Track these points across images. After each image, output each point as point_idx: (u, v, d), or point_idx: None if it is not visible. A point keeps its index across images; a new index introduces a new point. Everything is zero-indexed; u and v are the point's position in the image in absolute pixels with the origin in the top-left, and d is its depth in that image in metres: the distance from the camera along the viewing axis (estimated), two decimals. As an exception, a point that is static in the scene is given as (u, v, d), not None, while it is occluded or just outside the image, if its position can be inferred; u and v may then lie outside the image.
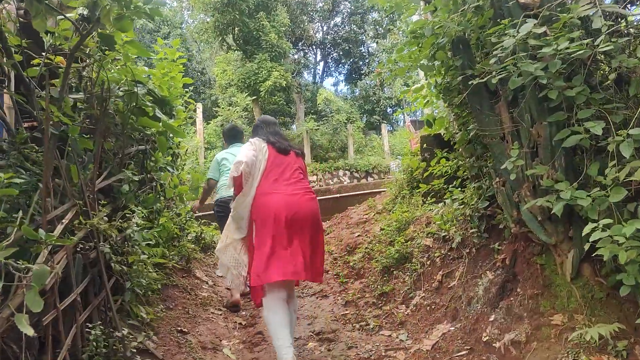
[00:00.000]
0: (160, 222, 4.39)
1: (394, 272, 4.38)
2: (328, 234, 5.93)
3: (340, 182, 18.06)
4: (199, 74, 30.33)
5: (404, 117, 28.70)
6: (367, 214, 5.82)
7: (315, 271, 3.37)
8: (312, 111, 23.48)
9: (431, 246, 4.24)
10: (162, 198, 4.52)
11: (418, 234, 4.50)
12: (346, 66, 31.72)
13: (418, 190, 5.26)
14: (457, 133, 4.10)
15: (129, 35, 3.60)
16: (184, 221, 5.63)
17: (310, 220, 3.33)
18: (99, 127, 3.19)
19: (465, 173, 4.06)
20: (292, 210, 3.24)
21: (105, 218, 2.95)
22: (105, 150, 3.56)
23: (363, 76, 28.02)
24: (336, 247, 5.32)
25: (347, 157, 19.32)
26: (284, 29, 19.42)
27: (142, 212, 3.63)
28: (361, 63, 30.52)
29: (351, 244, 5.19)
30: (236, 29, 18.55)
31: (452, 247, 3.99)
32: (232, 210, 3.56)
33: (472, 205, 3.77)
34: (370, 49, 31.37)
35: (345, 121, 19.72)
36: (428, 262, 4.12)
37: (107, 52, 3.53)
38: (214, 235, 6.38)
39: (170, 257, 4.63)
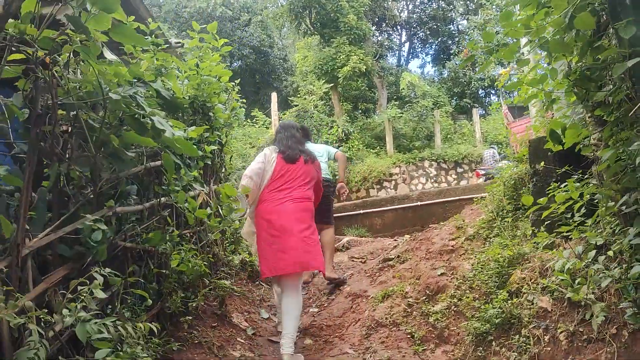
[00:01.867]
0: (174, 266, 3.35)
1: (493, 343, 3.03)
2: (403, 262, 4.65)
3: (425, 174, 16.51)
4: (281, 60, 29.69)
5: (499, 100, 26.32)
6: (453, 239, 4.46)
7: (308, 264, 3.86)
8: (395, 97, 21.91)
9: (550, 310, 2.85)
10: (176, 230, 3.48)
11: (528, 285, 3.11)
12: (433, 46, 29.60)
13: (525, 214, 3.83)
14: (595, 144, 2.66)
15: (117, 17, 2.57)
16: (225, 246, 4.62)
17: (291, 223, 3.81)
18: (30, 148, 2.15)
19: (607, 207, 2.61)
20: (274, 215, 3.85)
21: (30, 304, 1.90)
22: (70, 181, 2.53)
23: (452, 56, 25.87)
24: (412, 288, 4.03)
25: (434, 146, 17.66)
26: (364, 9, 17.99)
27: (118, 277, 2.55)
28: (450, 42, 28.27)
29: (432, 286, 3.88)
30: (313, 11, 17.40)
31: (585, 319, 2.59)
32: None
33: (624, 265, 2.34)
34: (460, 26, 29.04)
35: (432, 106, 18.01)
36: (546, 338, 2.75)
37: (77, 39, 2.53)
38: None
39: (195, 302, 3.59)
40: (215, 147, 4.36)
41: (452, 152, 17.12)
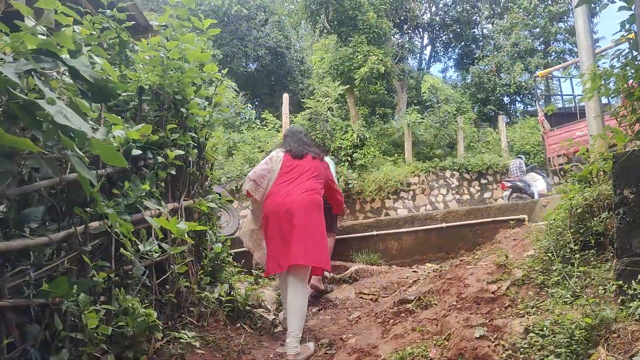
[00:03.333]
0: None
1: None
2: (425, 307, 3.58)
3: (446, 184, 15.34)
4: (297, 62, 28.71)
5: (524, 107, 24.98)
6: (494, 282, 3.37)
7: (314, 257, 3.75)
8: (415, 101, 20.76)
9: None
10: (110, 268, 2.45)
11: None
12: (456, 50, 28.41)
13: (602, 256, 2.75)
14: None
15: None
16: (200, 277, 3.62)
17: (298, 214, 3.78)
18: None
19: None
20: (281, 208, 3.84)
21: None
22: None
23: (476, 60, 24.65)
24: (438, 351, 2.93)
25: (456, 155, 16.47)
26: (384, 7, 16.89)
27: None
28: (474, 46, 27.09)
29: (467, 353, 2.78)
30: (330, 8, 16.36)
31: None
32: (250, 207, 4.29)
33: None
34: (485, 30, 27.82)
35: (455, 112, 16.84)
36: None
37: None
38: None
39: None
40: (183, 153, 3.32)
41: (475, 162, 15.93)
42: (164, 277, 3.22)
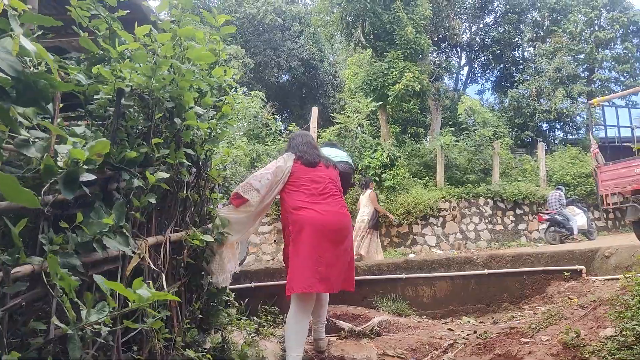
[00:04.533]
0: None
1: None
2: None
3: (479, 212, 14.38)
4: (330, 76, 28.17)
5: (564, 135, 23.79)
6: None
7: (348, 282, 3.54)
8: (450, 122, 19.88)
9: None
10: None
11: None
12: (495, 72, 27.45)
13: None
14: None
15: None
16: (183, 327, 2.93)
17: (341, 235, 3.55)
18: None
19: None
20: (326, 227, 3.49)
21: None
22: None
23: (516, 84, 23.65)
24: None
25: (491, 182, 15.53)
26: (423, 22, 16.15)
27: None
28: (513, 69, 26.10)
29: None
30: (367, 21, 15.71)
31: None
32: (222, 213, 3.58)
33: None
34: (526, 53, 26.83)
35: (492, 137, 15.91)
36: None
37: None
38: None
39: None
40: (168, 175, 2.60)
41: (511, 190, 14.97)
42: (132, 334, 2.49)
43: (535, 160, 17.20)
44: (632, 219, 7.60)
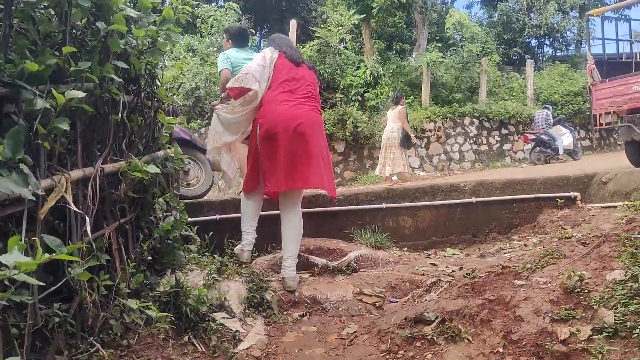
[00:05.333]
0: None
1: None
2: (452, 339, 2.45)
3: (464, 132, 13.96)
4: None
5: (552, 52, 22.97)
6: (564, 320, 2.21)
7: (327, 184, 3.42)
8: (437, 37, 18.94)
9: None
10: None
11: None
12: (485, -16, 26.06)
13: None
14: None
15: None
16: (127, 276, 2.52)
17: (312, 133, 3.40)
18: None
19: None
20: (291, 123, 3.33)
21: None
22: None
23: (506, -3, 22.49)
24: None
25: (477, 101, 15.01)
26: None
27: None
28: (505, -20, 24.74)
29: None
30: None
31: None
32: (220, 112, 3.64)
33: None
34: (518, -38, 25.33)
35: (479, 53, 15.20)
36: None
37: None
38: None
39: None
40: (84, 94, 2.05)
41: (497, 110, 14.53)
42: (58, 285, 2.06)
43: (523, 78, 16.62)
44: (625, 140, 7.24)
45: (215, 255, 3.45)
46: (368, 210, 4.38)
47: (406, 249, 4.36)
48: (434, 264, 3.67)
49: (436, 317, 2.68)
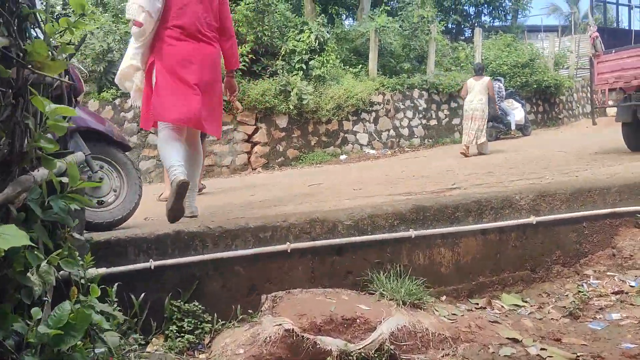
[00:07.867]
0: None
1: None
2: None
3: (413, 106, 12.79)
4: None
5: (491, 21, 22.31)
6: None
7: (214, 123, 3.48)
8: (384, 1, 17.49)
9: None
10: None
11: None
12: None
13: None
14: None
15: None
16: None
17: (209, 68, 3.35)
18: None
19: None
20: (195, 56, 3.29)
21: None
22: None
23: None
24: None
25: (426, 71, 13.86)
26: None
27: None
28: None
29: None
30: None
31: None
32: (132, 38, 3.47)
33: None
34: None
35: (429, 19, 14.01)
36: None
37: None
38: None
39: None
40: None
41: (447, 82, 13.45)
42: None
43: (471, 48, 15.68)
44: (623, 120, 6.29)
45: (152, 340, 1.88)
46: (389, 242, 2.87)
47: (445, 297, 2.96)
48: (515, 340, 2.31)
49: None
